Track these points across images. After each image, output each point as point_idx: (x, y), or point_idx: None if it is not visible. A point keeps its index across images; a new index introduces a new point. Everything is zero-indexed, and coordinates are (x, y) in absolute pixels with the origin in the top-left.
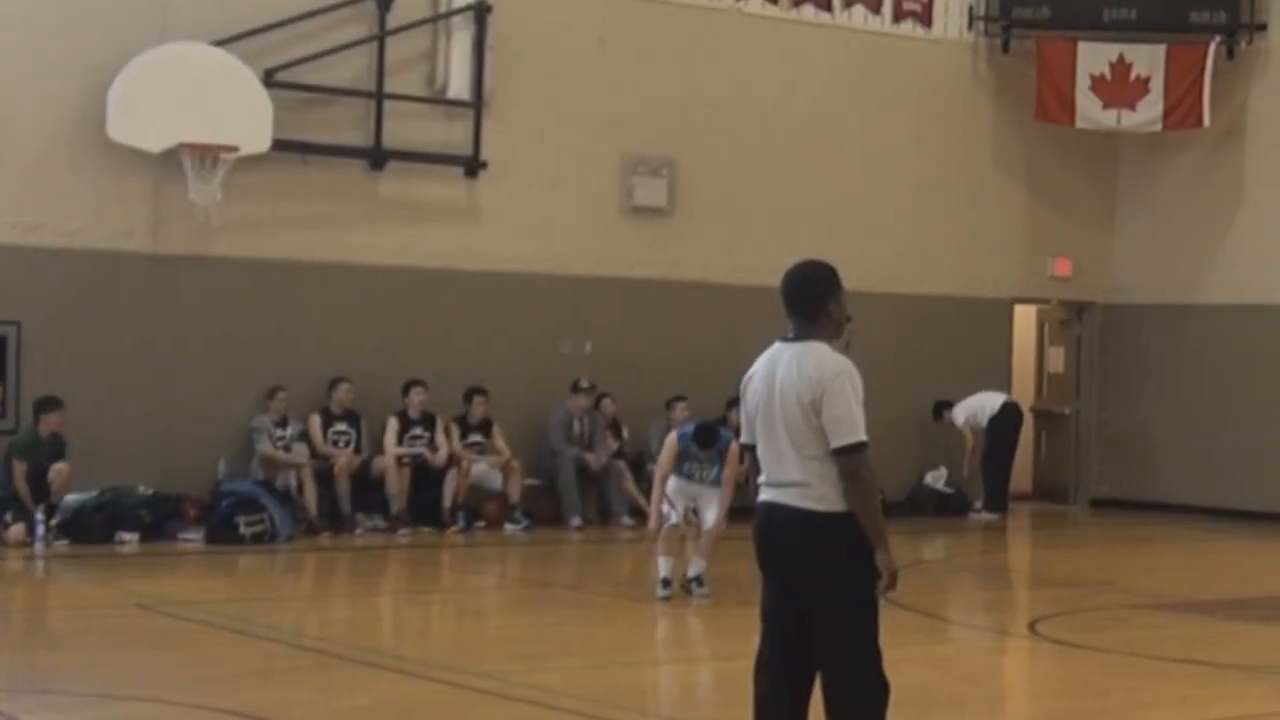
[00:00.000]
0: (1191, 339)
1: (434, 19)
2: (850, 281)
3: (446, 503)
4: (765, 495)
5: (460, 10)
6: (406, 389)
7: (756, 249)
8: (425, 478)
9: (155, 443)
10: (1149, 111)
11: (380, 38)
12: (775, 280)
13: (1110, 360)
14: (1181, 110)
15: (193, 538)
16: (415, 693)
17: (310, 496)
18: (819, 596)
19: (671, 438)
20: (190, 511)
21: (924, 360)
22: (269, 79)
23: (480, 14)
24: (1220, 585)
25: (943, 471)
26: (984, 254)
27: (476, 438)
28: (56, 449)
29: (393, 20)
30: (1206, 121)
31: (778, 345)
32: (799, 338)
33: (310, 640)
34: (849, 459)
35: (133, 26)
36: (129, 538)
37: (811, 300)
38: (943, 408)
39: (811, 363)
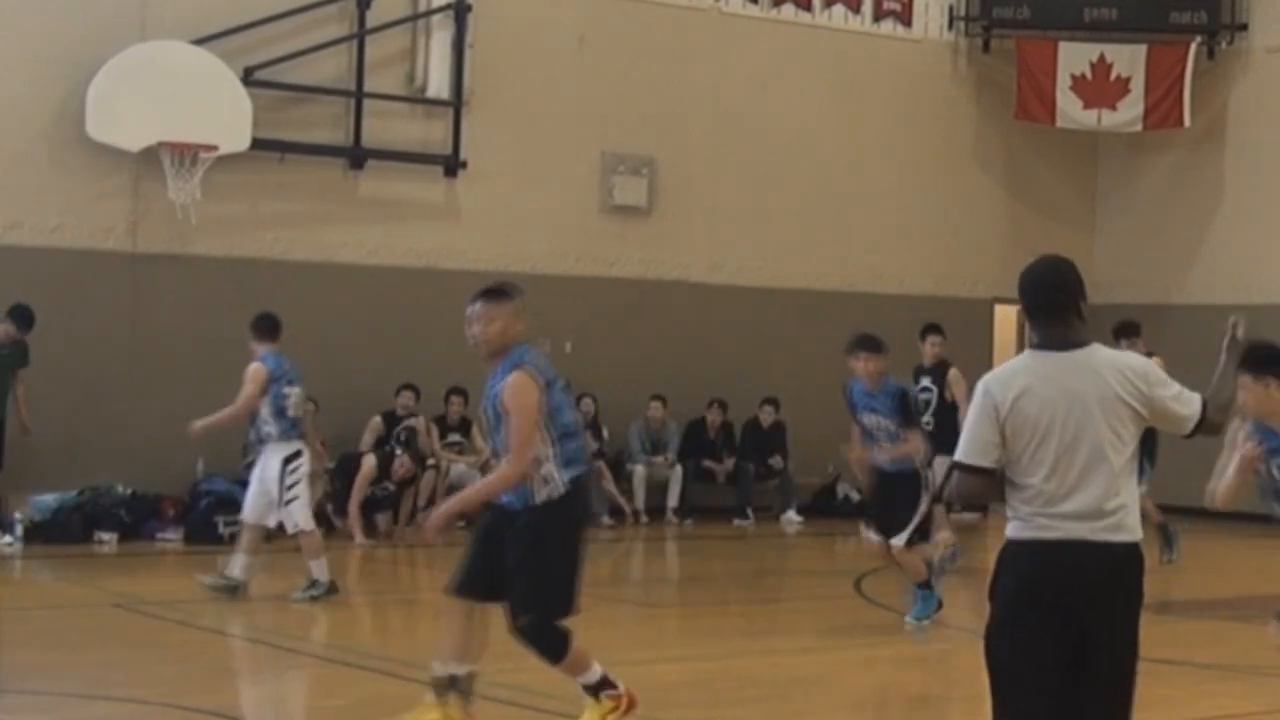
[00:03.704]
0: (1172, 338)
1: (413, 18)
2: (830, 281)
3: (423, 503)
4: (1058, 532)
5: (439, 9)
6: (398, 391)
7: (736, 248)
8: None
9: (134, 442)
10: (1129, 111)
11: (359, 36)
12: (755, 280)
13: None
14: (1162, 110)
15: (171, 537)
16: (393, 692)
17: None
18: (1117, 650)
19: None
20: (169, 511)
21: (904, 360)
22: (248, 78)
23: (459, 13)
24: (1201, 585)
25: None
26: (964, 253)
27: (455, 438)
28: (17, 357)
29: (372, 19)
30: (1187, 121)
31: (1044, 355)
32: (1075, 343)
33: (288, 640)
34: (1213, 412)
35: (112, 25)
36: (107, 538)
37: (1076, 300)
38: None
39: (1123, 363)
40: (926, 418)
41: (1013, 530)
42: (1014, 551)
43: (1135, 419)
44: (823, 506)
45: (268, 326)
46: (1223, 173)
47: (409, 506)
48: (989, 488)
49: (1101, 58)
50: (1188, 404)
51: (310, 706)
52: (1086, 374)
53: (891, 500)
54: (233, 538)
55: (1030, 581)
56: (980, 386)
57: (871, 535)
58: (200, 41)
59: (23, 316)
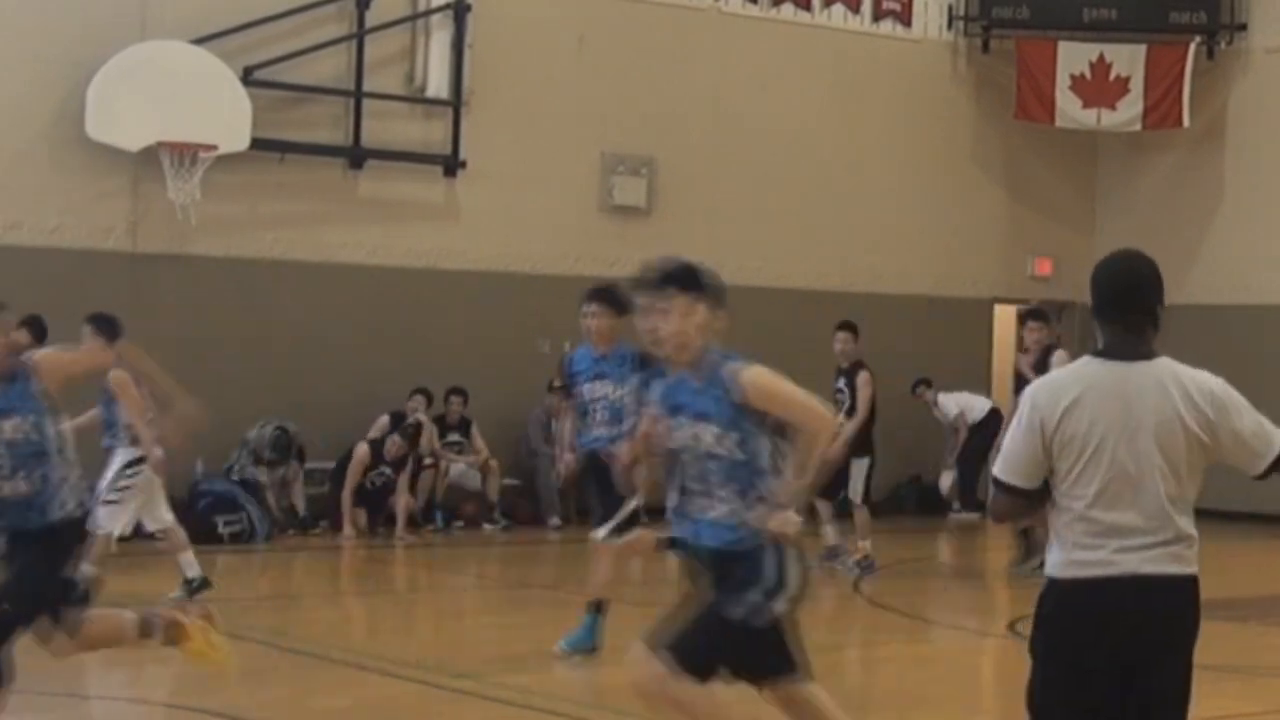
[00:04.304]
0: (1171, 339)
1: (413, 17)
2: (830, 281)
3: (422, 502)
4: (1117, 566)
5: (439, 9)
6: (411, 395)
7: (736, 248)
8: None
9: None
10: (1129, 111)
11: (359, 36)
12: (755, 280)
13: None
14: (1161, 110)
15: None
16: (393, 693)
17: (298, 497)
18: (1172, 690)
19: None
20: None
21: (904, 360)
22: (248, 77)
23: (459, 13)
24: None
25: (954, 471)
26: (964, 254)
27: (455, 437)
28: None
29: (371, 19)
30: (1186, 121)
31: (1106, 364)
32: (1144, 354)
33: (287, 640)
34: None
35: (112, 25)
36: None
37: (1155, 304)
38: (920, 385)
39: (1194, 383)
40: (844, 419)
41: (1055, 565)
42: (1056, 596)
43: (1198, 446)
44: None
45: (115, 327)
46: (1222, 173)
47: (404, 503)
48: (1027, 508)
49: (1101, 58)
50: (1265, 441)
51: (310, 706)
52: (1149, 389)
53: (605, 482)
54: (233, 538)
55: (1076, 628)
56: (1027, 396)
57: (600, 531)
58: (200, 41)
59: (38, 328)
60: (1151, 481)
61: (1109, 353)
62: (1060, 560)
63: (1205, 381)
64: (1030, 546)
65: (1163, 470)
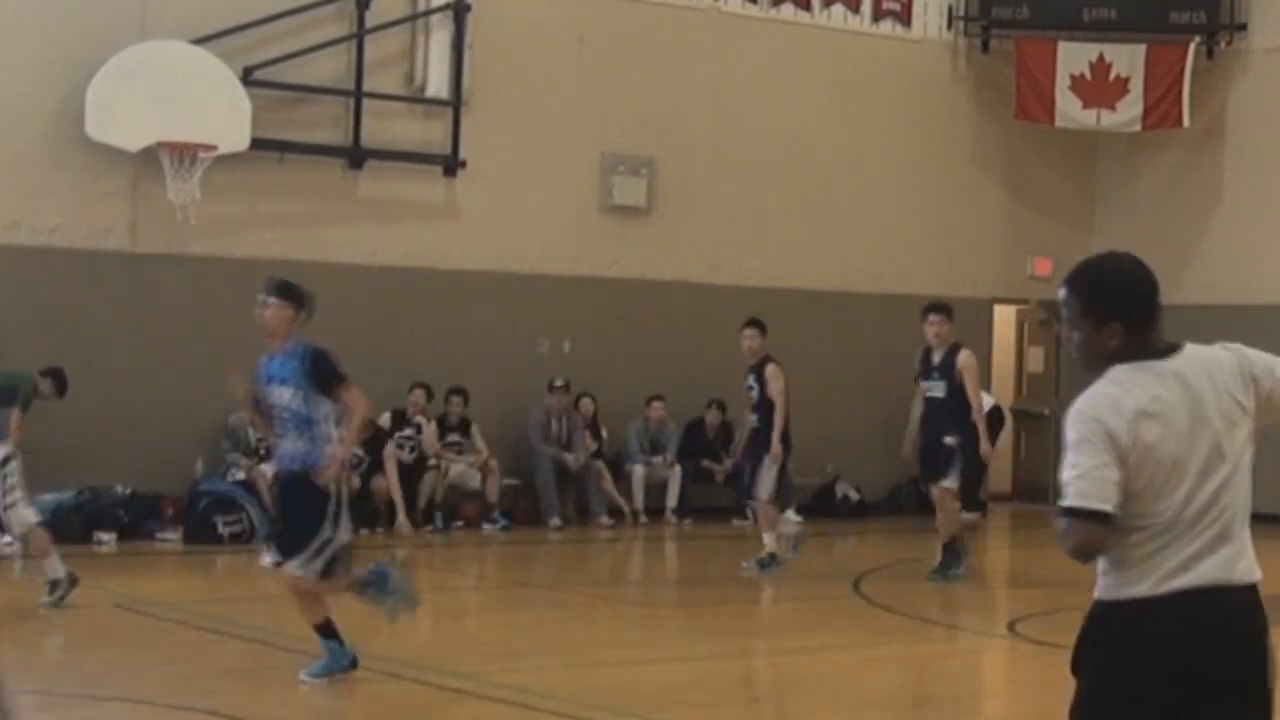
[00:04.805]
0: (1171, 339)
1: (412, 18)
2: (830, 281)
3: (423, 503)
4: (1190, 576)
5: (439, 9)
6: (410, 389)
7: (736, 248)
8: (404, 478)
9: (133, 442)
10: (1129, 111)
11: (359, 36)
12: (755, 280)
13: None
14: (1161, 110)
15: (171, 538)
16: (393, 692)
17: None
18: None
19: None
20: (168, 511)
21: (904, 360)
22: (247, 77)
23: (459, 13)
24: None
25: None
26: (963, 254)
27: (455, 437)
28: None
29: (371, 19)
30: (1186, 121)
31: (1144, 366)
32: (1172, 348)
33: (288, 640)
34: None
35: (112, 25)
36: (107, 538)
37: (1158, 299)
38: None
39: (1223, 359)
40: (752, 416)
41: (1116, 584)
42: (1128, 614)
43: (1247, 422)
44: (822, 506)
45: None
46: (1222, 173)
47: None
48: (1108, 536)
49: (1101, 58)
50: None
51: (310, 706)
52: (1199, 381)
53: (294, 509)
54: (233, 538)
55: (1162, 647)
56: (1084, 415)
57: (267, 557)
58: (200, 41)
59: (59, 380)
60: (1231, 477)
61: (1142, 355)
62: (1127, 579)
63: (1224, 354)
64: (955, 552)
65: (1239, 458)
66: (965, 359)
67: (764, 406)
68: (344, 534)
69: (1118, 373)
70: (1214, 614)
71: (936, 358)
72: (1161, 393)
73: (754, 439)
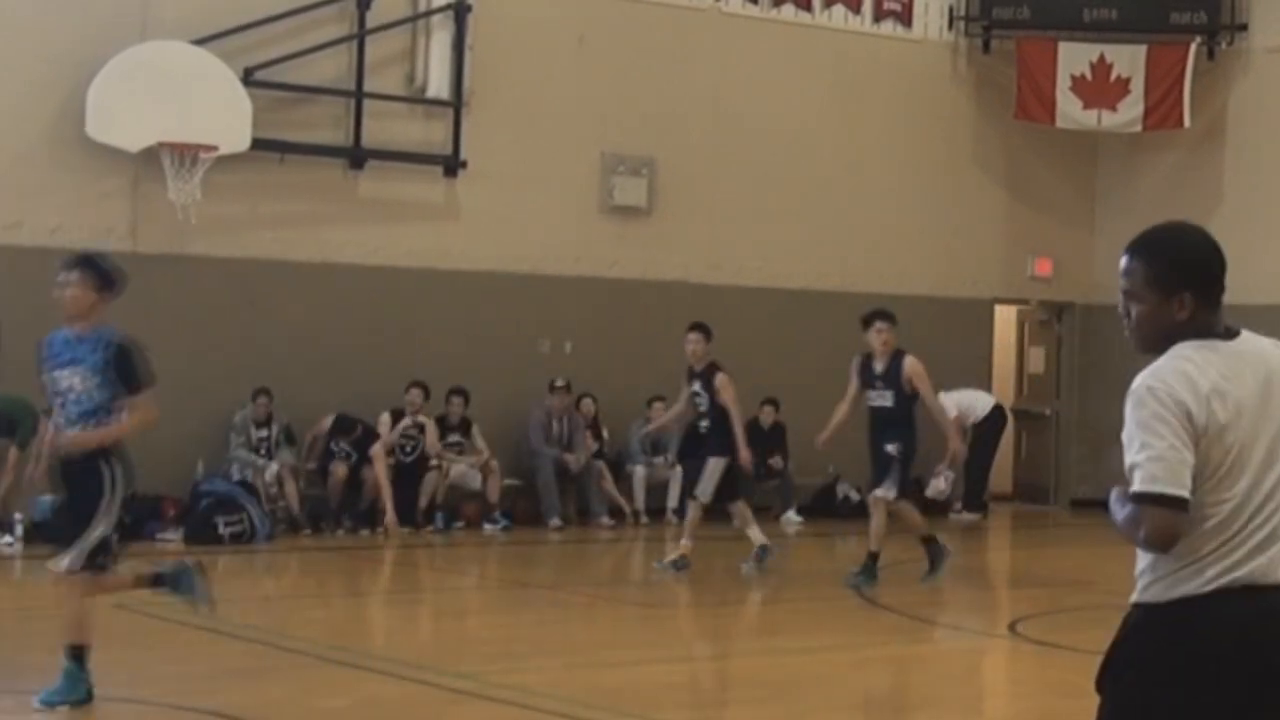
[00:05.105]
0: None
1: (413, 18)
2: (830, 281)
3: (424, 503)
4: (1257, 575)
5: (439, 9)
6: (407, 388)
7: (736, 249)
8: (405, 478)
9: (133, 443)
10: (1129, 112)
11: (359, 37)
12: (755, 280)
13: (1090, 361)
14: (1162, 110)
15: (171, 538)
16: (394, 693)
17: (291, 495)
18: None
19: None
20: (169, 512)
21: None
22: (248, 78)
23: (459, 13)
24: None
25: (949, 475)
26: (964, 254)
27: (455, 438)
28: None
29: (372, 19)
30: (1187, 122)
31: (1212, 345)
32: (1232, 331)
33: (289, 640)
34: None
35: (112, 25)
36: None
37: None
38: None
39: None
40: (704, 423)
41: (1164, 584)
42: (1181, 615)
43: None
44: (823, 507)
45: None
46: (1222, 173)
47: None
48: (1184, 524)
49: (1101, 58)
50: None
51: (310, 706)
52: (1262, 369)
53: (76, 505)
54: (233, 538)
55: (1223, 650)
56: (1156, 392)
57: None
58: (200, 41)
59: None
60: None
61: (1211, 334)
62: (1182, 576)
63: (1277, 351)
64: (935, 554)
65: None
66: (911, 365)
67: (715, 412)
68: (106, 527)
69: (1186, 348)
70: (1268, 614)
71: (879, 366)
72: (1231, 373)
73: (706, 441)
